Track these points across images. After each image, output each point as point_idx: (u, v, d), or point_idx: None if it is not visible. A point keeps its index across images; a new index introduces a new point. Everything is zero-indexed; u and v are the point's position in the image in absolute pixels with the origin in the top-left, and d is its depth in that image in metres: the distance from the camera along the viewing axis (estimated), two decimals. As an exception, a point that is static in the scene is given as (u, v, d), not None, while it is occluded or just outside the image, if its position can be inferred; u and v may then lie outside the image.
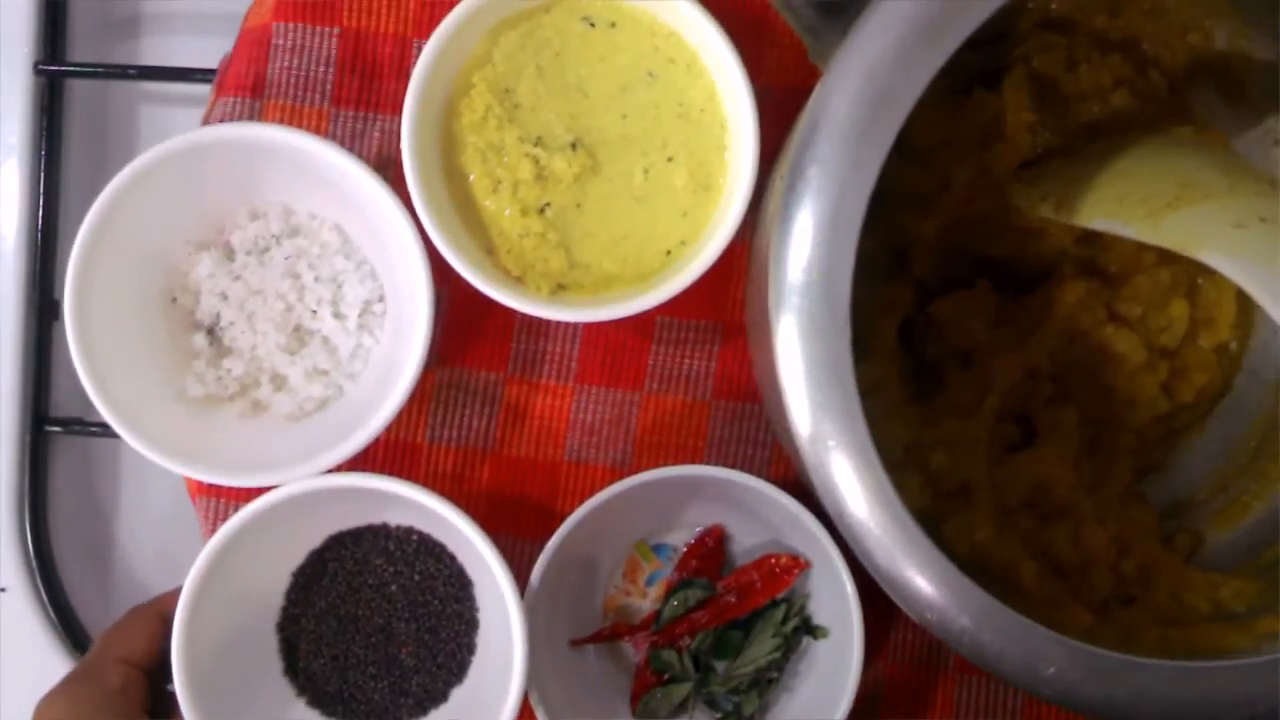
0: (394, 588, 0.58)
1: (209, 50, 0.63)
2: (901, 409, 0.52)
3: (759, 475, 0.55)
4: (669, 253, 0.55)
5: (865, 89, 0.41)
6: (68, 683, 0.55)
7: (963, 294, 0.55)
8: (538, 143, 0.55)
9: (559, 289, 0.55)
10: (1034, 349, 0.54)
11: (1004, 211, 0.53)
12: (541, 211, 0.55)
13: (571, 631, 0.59)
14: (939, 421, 0.53)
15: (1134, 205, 0.47)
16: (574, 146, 0.54)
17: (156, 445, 0.54)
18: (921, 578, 0.42)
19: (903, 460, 0.42)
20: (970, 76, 0.53)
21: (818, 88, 0.42)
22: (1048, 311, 0.54)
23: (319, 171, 0.55)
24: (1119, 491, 0.55)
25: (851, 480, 0.42)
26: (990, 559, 0.48)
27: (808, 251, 0.42)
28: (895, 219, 0.53)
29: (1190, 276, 0.55)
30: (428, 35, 0.53)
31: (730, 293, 0.59)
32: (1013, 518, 0.53)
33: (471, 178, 0.55)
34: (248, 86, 0.59)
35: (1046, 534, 0.52)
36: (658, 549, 0.60)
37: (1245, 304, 0.56)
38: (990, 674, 0.44)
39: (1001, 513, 0.52)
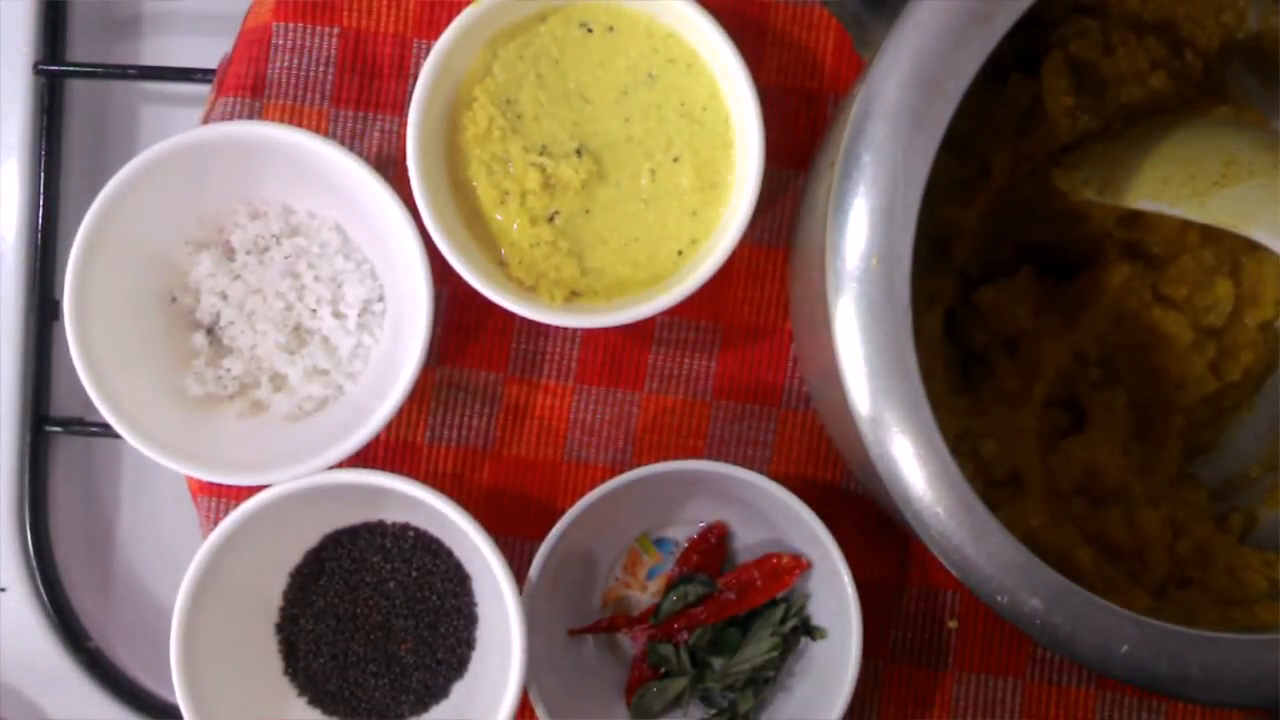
0: (392, 585, 0.58)
1: (209, 50, 0.63)
2: (949, 399, 0.52)
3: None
4: (681, 253, 0.55)
5: (916, 74, 0.41)
6: None
7: (1006, 282, 0.55)
8: (543, 151, 0.55)
9: (573, 296, 0.55)
10: (1081, 333, 0.54)
11: (1045, 196, 0.54)
12: (551, 220, 0.55)
13: (570, 624, 0.59)
14: (987, 411, 0.53)
15: (1179, 185, 0.47)
16: (579, 153, 0.54)
17: (156, 444, 0.54)
18: (991, 561, 0.42)
19: (953, 450, 0.42)
20: (1004, 63, 0.53)
21: (866, 75, 0.42)
22: (1093, 295, 0.54)
23: (319, 171, 0.55)
24: (1170, 473, 0.55)
25: (915, 465, 0.42)
26: (1045, 546, 0.48)
27: (865, 237, 0.42)
28: (935, 208, 0.53)
29: (1233, 255, 0.55)
30: (428, 35, 0.54)
31: (730, 292, 0.59)
32: (1065, 504, 0.53)
33: (478, 190, 0.55)
34: (248, 86, 0.59)
35: (1100, 519, 0.52)
36: (660, 543, 0.60)
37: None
38: (1062, 655, 0.44)
39: (1054, 499, 0.52)
